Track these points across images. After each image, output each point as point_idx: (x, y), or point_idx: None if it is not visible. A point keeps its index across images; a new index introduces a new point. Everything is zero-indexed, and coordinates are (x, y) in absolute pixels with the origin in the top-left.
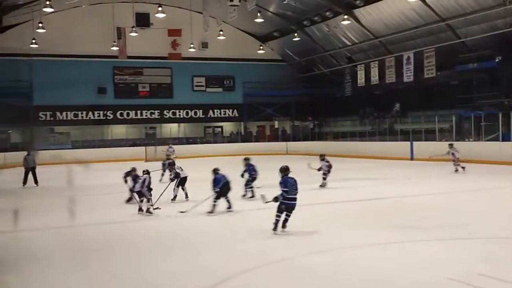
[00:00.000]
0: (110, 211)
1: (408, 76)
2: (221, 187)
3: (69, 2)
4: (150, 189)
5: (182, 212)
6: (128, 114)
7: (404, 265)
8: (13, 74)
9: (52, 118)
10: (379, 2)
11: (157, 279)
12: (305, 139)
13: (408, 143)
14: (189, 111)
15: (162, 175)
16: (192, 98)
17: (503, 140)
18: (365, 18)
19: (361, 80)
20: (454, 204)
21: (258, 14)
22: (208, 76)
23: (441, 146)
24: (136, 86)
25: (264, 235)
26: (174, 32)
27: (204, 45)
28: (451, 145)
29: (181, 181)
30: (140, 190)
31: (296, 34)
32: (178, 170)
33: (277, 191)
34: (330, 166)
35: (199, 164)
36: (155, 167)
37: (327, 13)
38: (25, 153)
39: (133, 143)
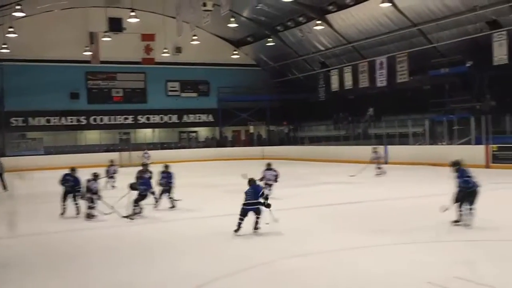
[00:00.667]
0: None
1: (381, 81)
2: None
3: (40, 7)
4: (96, 194)
5: (126, 217)
6: (101, 120)
7: (384, 268)
8: None
9: (24, 124)
10: (351, 7)
11: (138, 285)
12: (281, 143)
13: (382, 147)
14: (163, 116)
15: (111, 181)
16: (166, 103)
17: (475, 144)
18: (338, 24)
19: (334, 85)
20: (432, 206)
21: (232, 19)
22: (182, 81)
23: (415, 150)
24: (109, 91)
25: (247, 239)
26: (148, 37)
27: (178, 50)
28: (374, 148)
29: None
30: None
31: (270, 39)
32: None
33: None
34: (276, 176)
35: (174, 170)
36: (131, 173)
37: (300, 18)
38: None
39: (107, 148)
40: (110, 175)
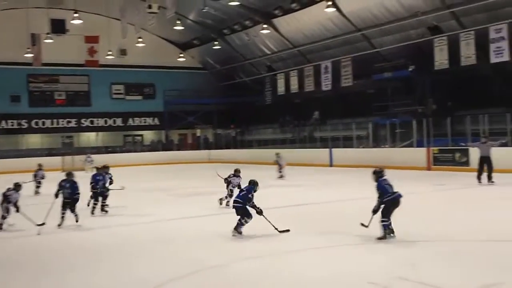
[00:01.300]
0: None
1: (326, 84)
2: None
3: None
4: (15, 205)
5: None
6: (43, 123)
7: (327, 269)
8: None
9: None
10: (297, 12)
11: None
12: (227, 147)
13: (327, 150)
14: (107, 119)
15: (37, 187)
16: (111, 106)
17: (417, 146)
18: (284, 28)
19: (281, 88)
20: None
21: (178, 22)
22: (127, 83)
23: (359, 153)
24: (52, 94)
25: (198, 243)
26: (91, 39)
27: (123, 52)
28: (277, 154)
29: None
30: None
31: (216, 43)
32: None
33: None
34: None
35: (119, 175)
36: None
37: (247, 22)
38: None
39: (49, 152)
40: (38, 179)
